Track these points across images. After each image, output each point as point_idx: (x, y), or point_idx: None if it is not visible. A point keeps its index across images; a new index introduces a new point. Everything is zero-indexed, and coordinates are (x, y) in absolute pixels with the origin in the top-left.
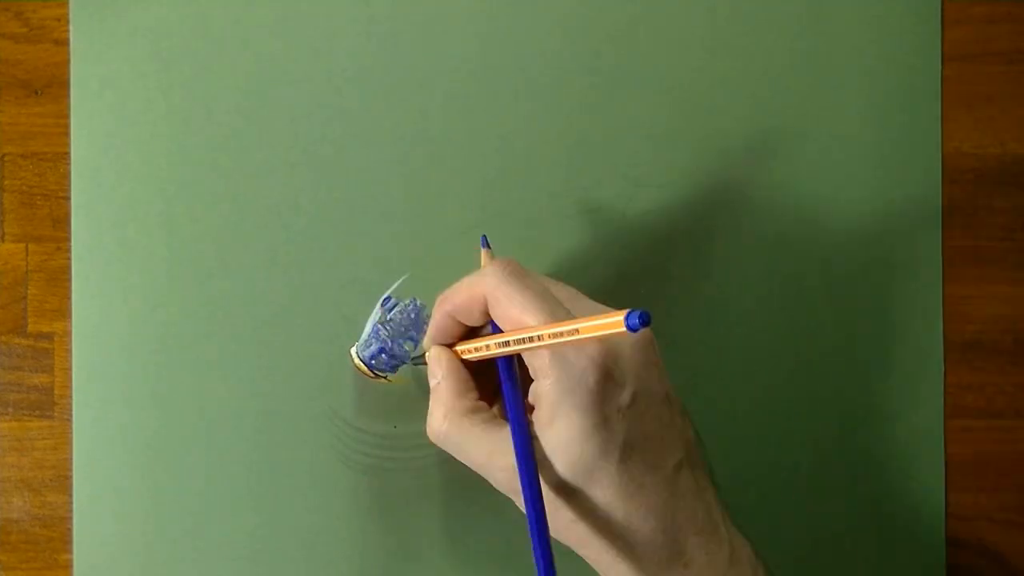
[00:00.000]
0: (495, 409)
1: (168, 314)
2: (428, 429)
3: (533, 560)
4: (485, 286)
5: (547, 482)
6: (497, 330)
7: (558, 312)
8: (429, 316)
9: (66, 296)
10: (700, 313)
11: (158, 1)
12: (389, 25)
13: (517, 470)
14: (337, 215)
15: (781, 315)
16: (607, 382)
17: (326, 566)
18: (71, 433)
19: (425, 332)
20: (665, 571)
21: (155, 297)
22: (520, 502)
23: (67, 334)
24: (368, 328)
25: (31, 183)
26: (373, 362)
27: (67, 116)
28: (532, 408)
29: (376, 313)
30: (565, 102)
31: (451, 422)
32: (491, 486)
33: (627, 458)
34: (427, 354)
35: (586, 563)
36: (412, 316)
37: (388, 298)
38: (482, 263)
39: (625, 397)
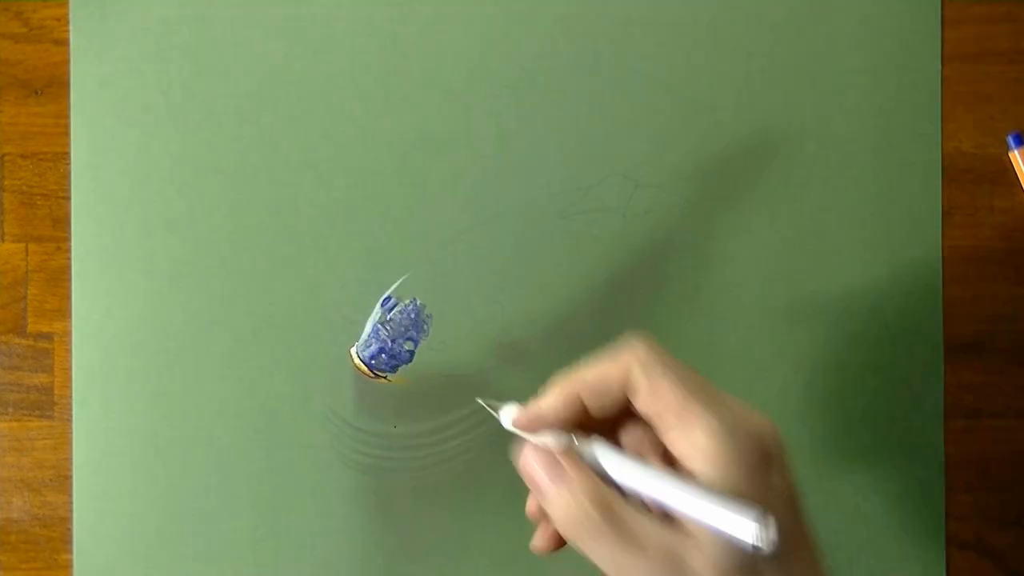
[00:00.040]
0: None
1: (168, 314)
2: (564, 519)
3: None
4: (628, 367)
5: None
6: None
7: (736, 433)
8: (429, 316)
9: (66, 296)
10: (700, 313)
11: (158, 1)
12: (389, 25)
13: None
14: (337, 215)
15: (781, 315)
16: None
17: (326, 566)
18: (71, 433)
19: (425, 332)
20: None
21: (155, 297)
22: None
23: (67, 334)
24: (368, 328)
25: (31, 183)
26: (373, 362)
27: (67, 116)
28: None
29: (376, 313)
30: (565, 102)
31: (602, 508)
32: (490, 485)
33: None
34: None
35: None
36: (412, 316)
37: (388, 298)
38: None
39: (785, 484)
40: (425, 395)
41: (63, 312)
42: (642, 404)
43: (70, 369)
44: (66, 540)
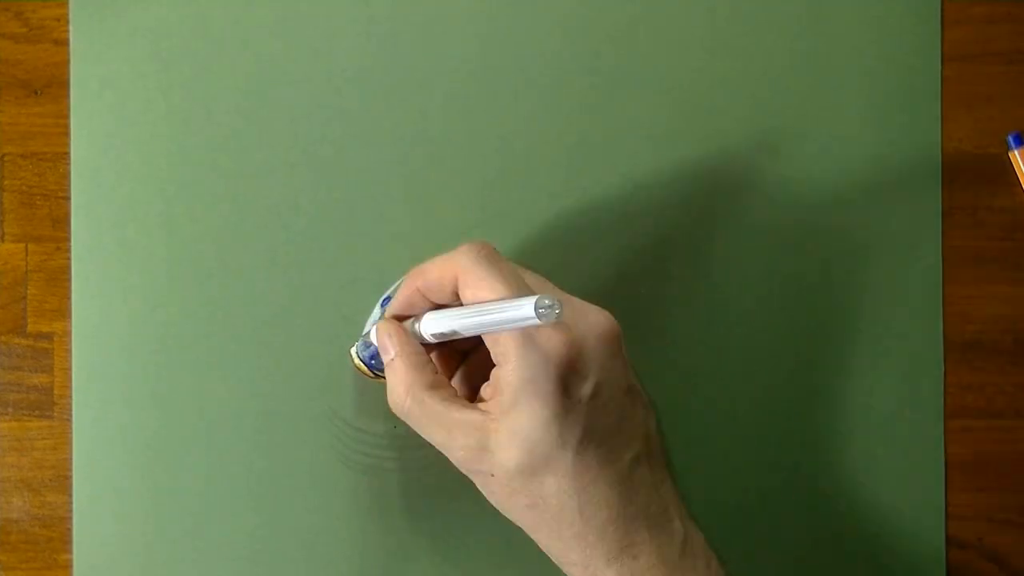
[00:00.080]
0: (455, 384)
1: (168, 314)
2: (391, 404)
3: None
4: (458, 265)
5: (504, 466)
6: None
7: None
8: None
9: (66, 296)
10: (700, 313)
11: (158, 1)
12: (389, 25)
13: (475, 451)
14: (337, 215)
15: (781, 315)
16: (570, 372)
17: (326, 566)
18: (71, 433)
19: None
20: (614, 561)
21: (155, 297)
22: (478, 481)
23: (67, 334)
24: (368, 328)
25: (31, 183)
26: (373, 362)
27: (67, 116)
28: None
29: (376, 313)
30: (565, 102)
31: (413, 398)
32: None
33: (584, 449)
34: (372, 330)
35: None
36: None
37: (388, 298)
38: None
39: (587, 388)
40: None
41: (63, 312)
42: (467, 298)
43: (70, 369)
44: (66, 540)
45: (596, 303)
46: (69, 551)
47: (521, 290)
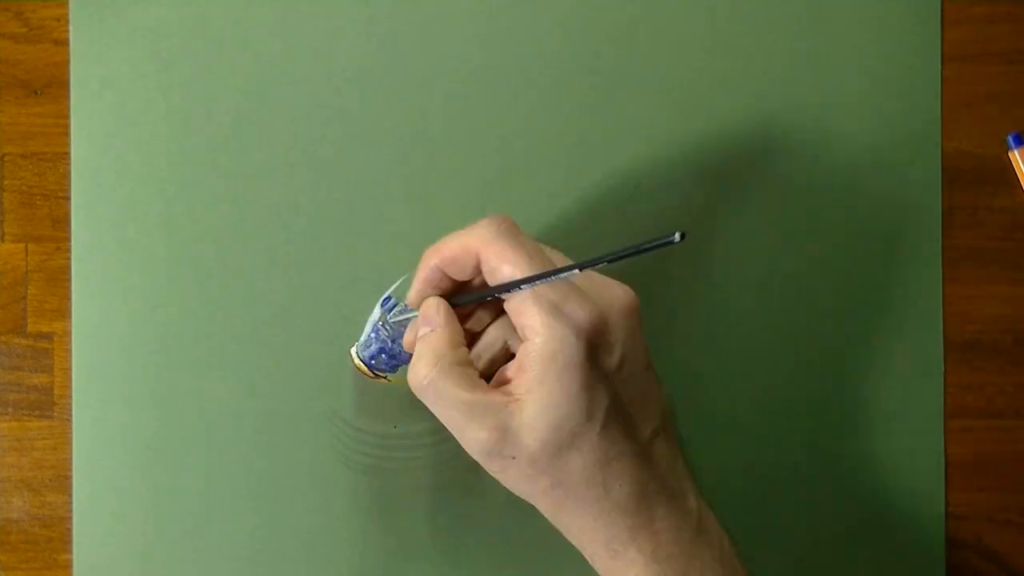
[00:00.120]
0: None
1: (168, 314)
2: (412, 375)
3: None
4: (479, 240)
5: (528, 447)
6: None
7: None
8: None
9: (66, 296)
10: (700, 313)
11: (158, 1)
12: (389, 25)
13: (497, 433)
14: (337, 215)
15: (781, 315)
16: (598, 344)
17: (326, 566)
18: (71, 433)
19: None
20: (634, 537)
21: (155, 297)
22: (495, 467)
23: (67, 334)
24: (368, 328)
25: (31, 183)
26: (373, 362)
27: (67, 116)
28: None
29: (376, 313)
30: (565, 102)
31: (440, 370)
32: (491, 486)
33: (609, 423)
34: (420, 305)
35: (583, 561)
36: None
37: (388, 298)
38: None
39: (614, 360)
40: None
41: (63, 312)
42: (488, 274)
43: (70, 369)
44: (66, 540)
45: None
46: (69, 551)
47: (544, 264)
